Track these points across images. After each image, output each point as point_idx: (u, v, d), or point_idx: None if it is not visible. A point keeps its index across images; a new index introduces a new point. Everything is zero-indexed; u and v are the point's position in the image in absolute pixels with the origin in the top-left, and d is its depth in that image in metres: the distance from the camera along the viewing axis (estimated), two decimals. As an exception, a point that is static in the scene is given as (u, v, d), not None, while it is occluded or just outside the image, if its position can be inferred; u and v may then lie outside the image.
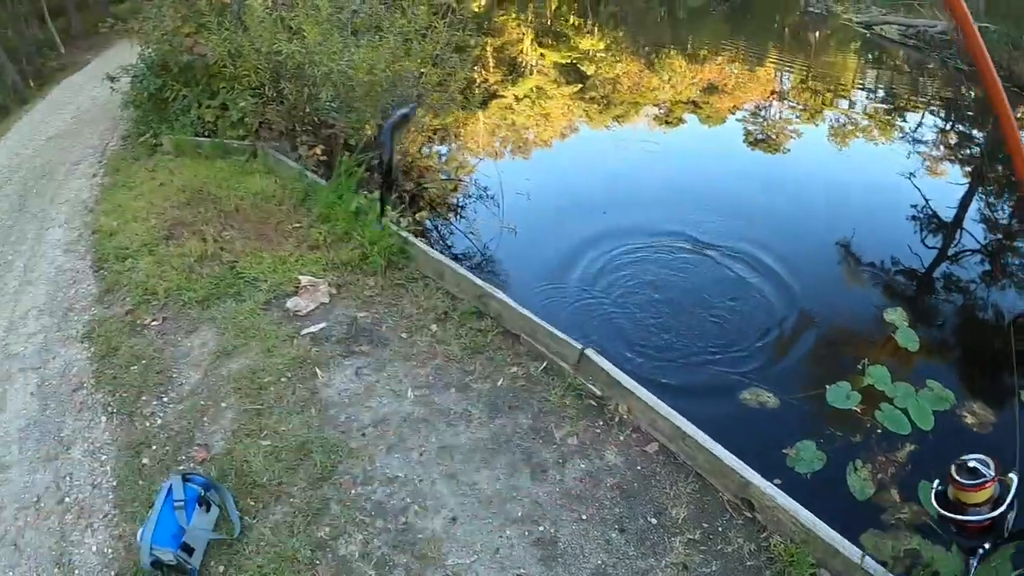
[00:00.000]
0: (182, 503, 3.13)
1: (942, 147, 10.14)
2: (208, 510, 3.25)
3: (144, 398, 4.31)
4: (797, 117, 12.01)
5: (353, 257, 5.47)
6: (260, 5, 6.92)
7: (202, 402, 4.22)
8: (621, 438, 3.34)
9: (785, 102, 12.97)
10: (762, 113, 12.10)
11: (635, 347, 5.12)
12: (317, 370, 4.33)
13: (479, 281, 4.53)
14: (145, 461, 3.85)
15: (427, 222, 7.12)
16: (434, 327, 4.52)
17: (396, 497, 3.19)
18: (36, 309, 5.33)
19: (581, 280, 6.10)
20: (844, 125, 11.49)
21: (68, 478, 3.85)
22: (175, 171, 7.05)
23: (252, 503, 3.32)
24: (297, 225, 6.01)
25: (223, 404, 4.18)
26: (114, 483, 3.75)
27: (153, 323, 4.95)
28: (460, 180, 8.29)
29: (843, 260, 6.65)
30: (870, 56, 17.78)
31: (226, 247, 5.67)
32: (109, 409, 4.25)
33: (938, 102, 12.87)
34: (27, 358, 4.82)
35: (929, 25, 16.20)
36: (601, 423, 3.42)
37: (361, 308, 4.99)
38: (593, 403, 3.52)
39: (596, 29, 22.12)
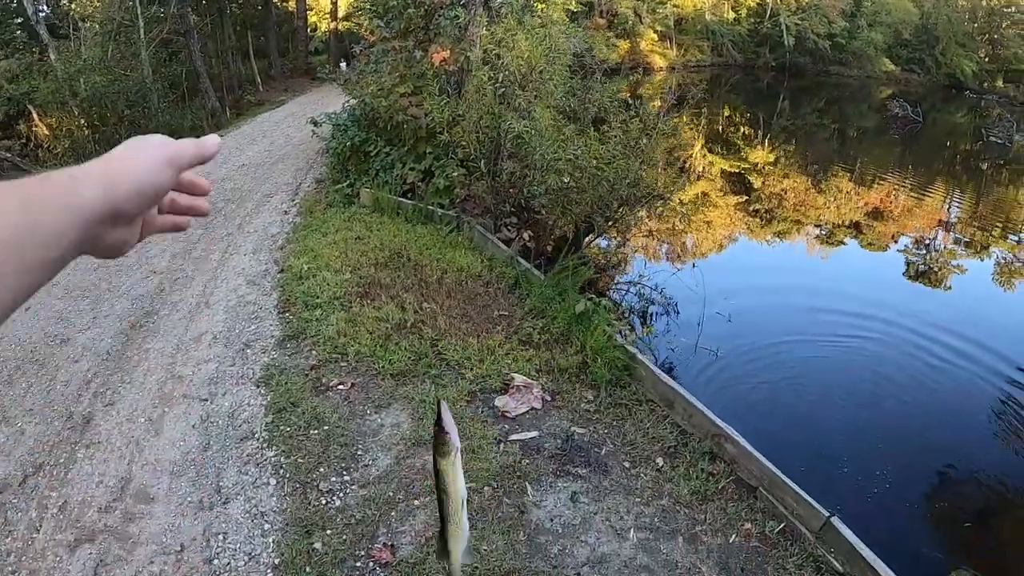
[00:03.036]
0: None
1: None
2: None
3: (322, 470, 4.09)
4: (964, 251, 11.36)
5: (572, 364, 5.20)
6: (488, 78, 7.34)
7: (391, 493, 3.96)
8: None
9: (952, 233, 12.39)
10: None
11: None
12: (528, 486, 4.06)
13: (715, 418, 4.34)
14: (317, 546, 3.61)
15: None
16: (660, 461, 4.31)
17: None
18: (211, 335, 5.44)
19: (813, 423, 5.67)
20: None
21: (221, 537, 3.63)
22: (373, 227, 7.35)
23: None
24: (504, 314, 5.88)
25: (416, 502, 3.93)
26: (276, 561, 3.52)
27: (340, 386, 4.85)
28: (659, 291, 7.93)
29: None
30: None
31: (426, 321, 5.61)
32: (281, 472, 4.06)
33: None
34: (194, 385, 4.85)
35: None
36: None
37: (578, 423, 4.75)
38: None
39: (766, 141, 22.57)
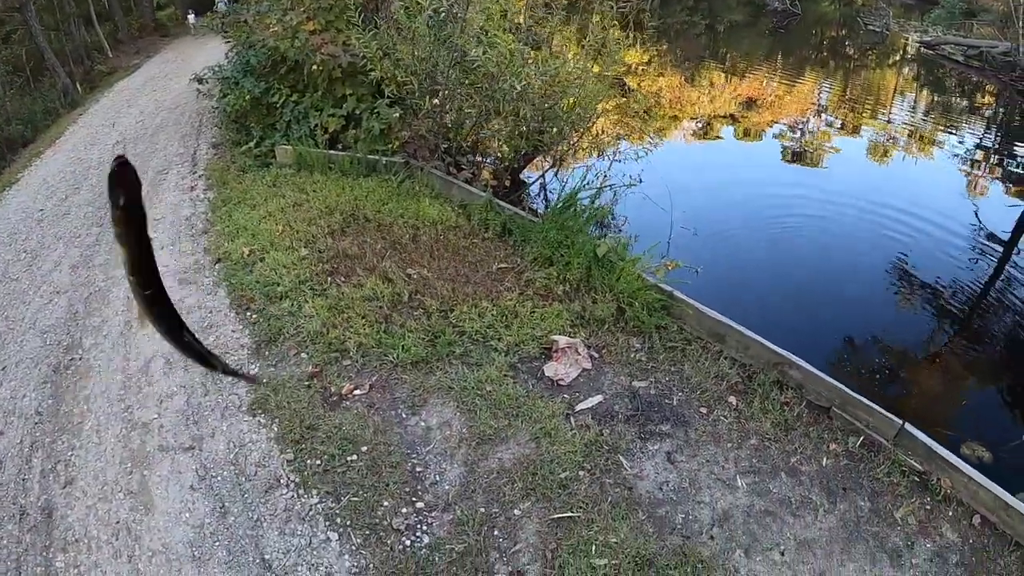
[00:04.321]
0: None
1: (1002, 167, 10.44)
2: None
3: (387, 504, 3.32)
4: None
5: (608, 313, 4.60)
6: (428, 4, 6.28)
7: (482, 508, 3.30)
8: (950, 513, 3.41)
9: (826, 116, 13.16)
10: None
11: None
12: (621, 459, 3.67)
13: (774, 347, 4.22)
14: None
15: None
16: (733, 400, 4.09)
17: None
18: (161, 359, 4.36)
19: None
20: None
21: None
22: (307, 188, 6.25)
23: None
24: (506, 266, 5.11)
25: (516, 511, 3.35)
26: None
27: (356, 392, 3.99)
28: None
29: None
30: (929, 76, 18.76)
31: (423, 290, 4.75)
32: (338, 521, 3.24)
33: (996, 123, 12.91)
34: (167, 432, 3.84)
35: (991, 46, 17.29)
36: (929, 499, 3.48)
37: (636, 376, 4.28)
38: (916, 478, 3.57)
39: (640, 43, 22.68)
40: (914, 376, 5.09)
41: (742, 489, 3.52)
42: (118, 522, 3.31)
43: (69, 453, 3.72)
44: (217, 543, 3.20)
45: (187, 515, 3.34)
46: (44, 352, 4.49)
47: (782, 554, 3.21)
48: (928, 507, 3.44)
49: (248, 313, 4.72)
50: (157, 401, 4.05)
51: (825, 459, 3.70)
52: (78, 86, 12.43)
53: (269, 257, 5.17)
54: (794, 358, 4.13)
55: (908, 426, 3.68)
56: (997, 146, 11.68)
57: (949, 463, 3.51)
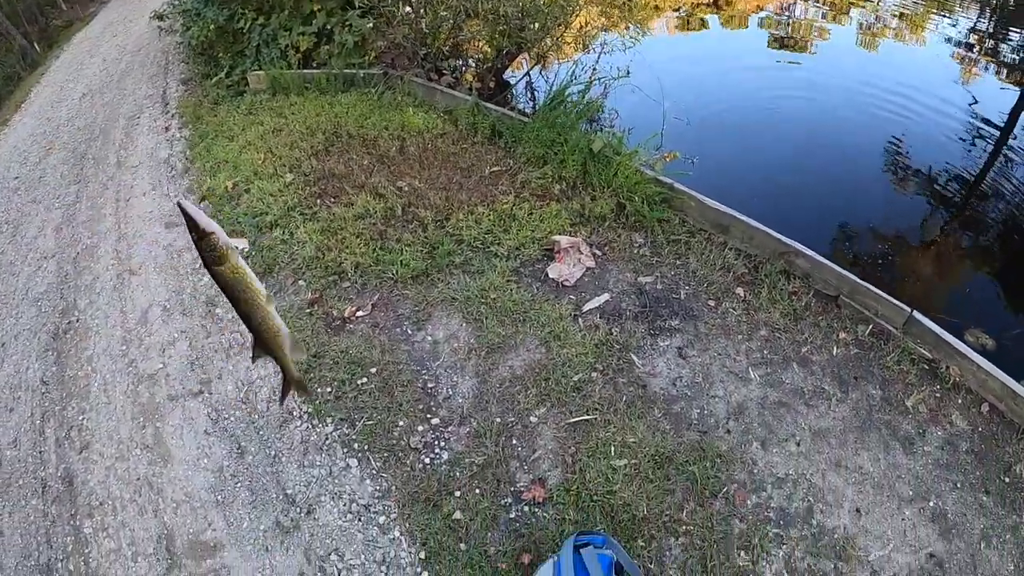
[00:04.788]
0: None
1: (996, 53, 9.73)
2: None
3: (403, 424, 3.21)
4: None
5: (607, 209, 4.38)
6: None
7: (498, 419, 3.22)
8: (959, 401, 3.39)
9: None
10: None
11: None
12: (633, 357, 3.56)
13: (780, 236, 4.09)
14: (457, 516, 2.86)
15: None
16: (741, 292, 3.95)
17: (796, 499, 2.98)
18: (158, 307, 4.23)
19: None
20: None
21: (335, 558, 2.82)
22: (286, 112, 5.93)
23: (642, 544, 2.80)
24: (499, 169, 4.85)
25: (532, 418, 3.27)
26: (421, 556, 2.80)
27: (359, 313, 3.84)
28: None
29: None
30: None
31: (415, 202, 4.52)
32: (356, 447, 3.15)
33: (991, 5, 12.04)
34: (174, 379, 3.73)
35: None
36: (939, 387, 3.46)
37: (641, 272, 4.12)
38: (926, 366, 3.54)
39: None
40: (913, 263, 4.87)
41: (755, 381, 3.47)
42: (138, 479, 3.27)
43: (80, 417, 3.66)
44: (239, 484, 3.15)
45: (205, 461, 3.28)
46: (40, 320, 4.38)
47: (798, 444, 3.19)
48: (938, 395, 3.44)
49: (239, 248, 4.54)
50: (160, 350, 3.94)
51: (835, 348, 3.65)
52: (35, 45, 11.85)
53: (254, 187, 4.94)
54: (800, 247, 4.02)
55: (916, 314, 3.64)
56: (991, 31, 10.90)
57: (957, 351, 3.51)
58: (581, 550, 2.26)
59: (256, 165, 5.20)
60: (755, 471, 3.06)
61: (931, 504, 3.00)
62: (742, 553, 2.77)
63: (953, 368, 3.54)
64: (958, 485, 3.06)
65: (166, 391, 3.68)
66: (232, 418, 3.43)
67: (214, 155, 5.52)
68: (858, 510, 2.98)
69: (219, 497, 3.11)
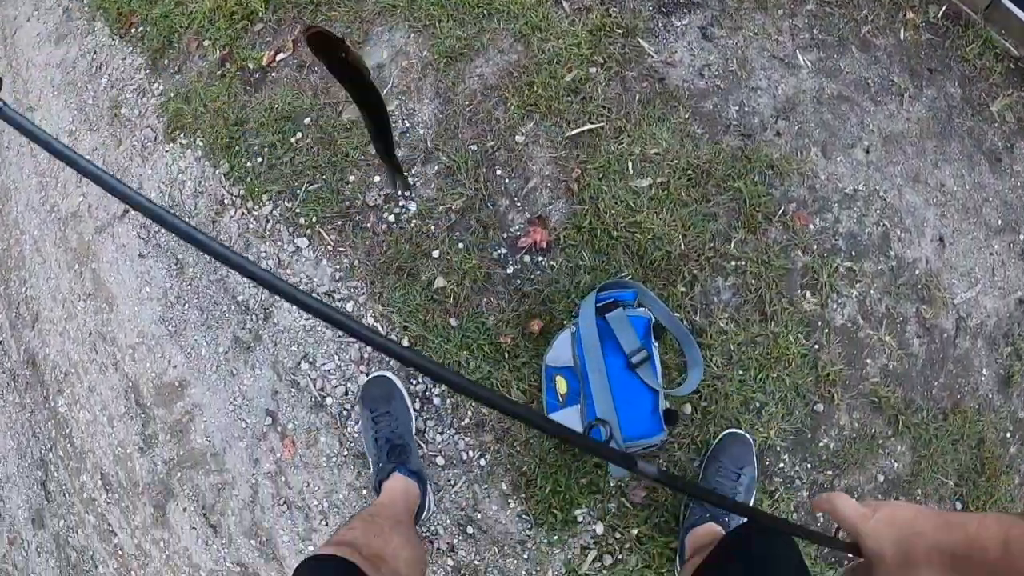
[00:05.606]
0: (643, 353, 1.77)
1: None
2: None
3: (354, 178, 2.45)
4: None
5: None
6: None
7: (472, 147, 2.37)
8: None
9: None
10: None
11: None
12: (642, 43, 2.58)
13: None
14: (440, 283, 2.27)
15: None
16: None
17: (868, 223, 2.45)
18: (64, 132, 3.42)
19: None
20: None
21: (305, 367, 2.09)
22: None
23: (683, 290, 2.31)
24: None
25: (518, 138, 2.41)
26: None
27: (280, 56, 2.91)
28: None
29: None
30: None
31: None
32: (301, 223, 2.40)
33: None
34: (97, 209, 3.06)
35: None
36: None
37: None
38: (1012, 65, 2.86)
39: None
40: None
41: (806, 68, 2.74)
42: (90, 334, 2.74)
43: (24, 289, 3.08)
44: (186, 305, 2.52)
45: (147, 289, 2.65)
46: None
47: (867, 152, 2.60)
48: (1026, 102, 2.71)
49: (132, 30, 3.54)
50: (76, 181, 3.20)
51: (903, 31, 2.92)
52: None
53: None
54: None
55: (1002, 7, 2.93)
56: None
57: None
58: (607, 313, 1.80)
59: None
60: (816, 186, 2.48)
61: (1021, 238, 2.59)
62: (807, 294, 2.31)
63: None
64: (1049, 214, 2.49)
65: (92, 225, 2.99)
66: (162, 229, 2.69)
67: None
68: (941, 239, 2.53)
69: (170, 328, 2.51)
